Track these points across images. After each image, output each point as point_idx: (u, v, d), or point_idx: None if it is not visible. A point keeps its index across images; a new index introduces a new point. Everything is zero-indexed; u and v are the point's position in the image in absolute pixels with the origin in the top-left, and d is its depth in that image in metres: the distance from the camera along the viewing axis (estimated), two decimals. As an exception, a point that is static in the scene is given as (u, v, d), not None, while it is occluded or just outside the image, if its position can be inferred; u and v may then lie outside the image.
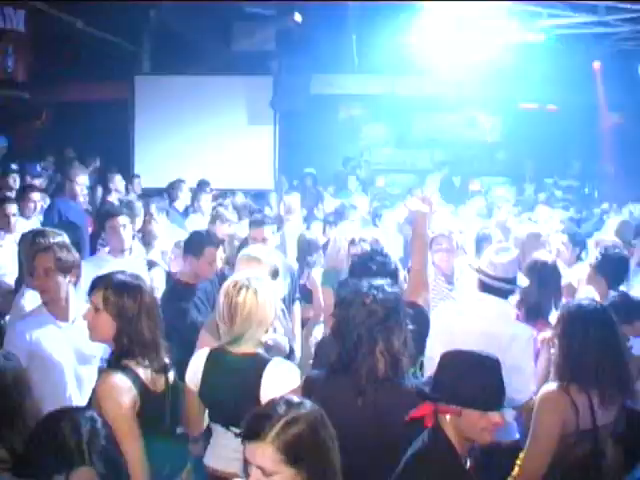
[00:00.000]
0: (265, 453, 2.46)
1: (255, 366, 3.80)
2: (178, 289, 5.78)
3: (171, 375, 3.79)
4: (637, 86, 11.41)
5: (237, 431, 3.64)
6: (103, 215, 7.17)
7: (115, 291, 3.57)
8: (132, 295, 3.57)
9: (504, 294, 4.72)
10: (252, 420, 2.57)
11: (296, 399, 2.74)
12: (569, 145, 17.28)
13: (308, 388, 3.57)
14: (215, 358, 3.89)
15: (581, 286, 5.89)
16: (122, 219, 6.42)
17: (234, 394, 3.76)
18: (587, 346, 3.66)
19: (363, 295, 3.53)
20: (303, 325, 7.03)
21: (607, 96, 15.23)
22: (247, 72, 13.79)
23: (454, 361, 3.15)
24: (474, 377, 3.03)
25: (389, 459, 3.30)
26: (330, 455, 2.57)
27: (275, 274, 4.97)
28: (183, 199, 10.23)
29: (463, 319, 4.61)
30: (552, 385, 3.75)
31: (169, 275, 6.78)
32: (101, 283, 3.63)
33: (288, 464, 2.47)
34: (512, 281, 4.78)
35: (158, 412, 3.64)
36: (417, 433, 3.22)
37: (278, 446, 2.46)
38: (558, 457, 3.61)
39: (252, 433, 2.51)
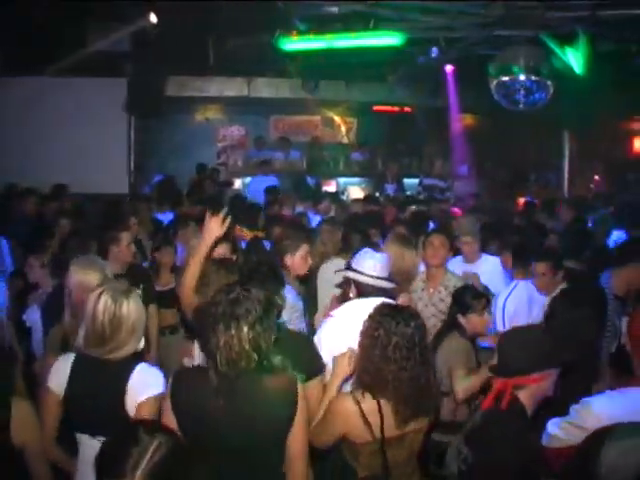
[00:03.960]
0: None
1: (122, 372, 3.75)
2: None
3: None
4: (488, 89, 11.80)
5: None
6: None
7: None
8: None
9: (389, 293, 4.82)
10: (111, 457, 2.49)
11: (154, 425, 2.80)
12: (425, 146, 17.81)
13: (172, 386, 3.51)
14: (83, 363, 3.81)
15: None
16: None
17: (101, 401, 3.69)
18: (388, 359, 3.67)
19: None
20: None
21: (460, 98, 15.75)
22: (101, 73, 13.36)
23: (524, 337, 3.62)
24: (546, 343, 3.53)
25: (261, 460, 3.37)
26: (193, 476, 2.61)
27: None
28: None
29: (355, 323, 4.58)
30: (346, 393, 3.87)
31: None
32: None
33: None
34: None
35: None
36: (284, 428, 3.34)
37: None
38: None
39: (113, 472, 2.44)
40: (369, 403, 3.67)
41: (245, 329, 3.34)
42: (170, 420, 3.37)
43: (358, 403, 3.67)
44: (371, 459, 3.74)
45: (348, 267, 4.94)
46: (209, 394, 3.34)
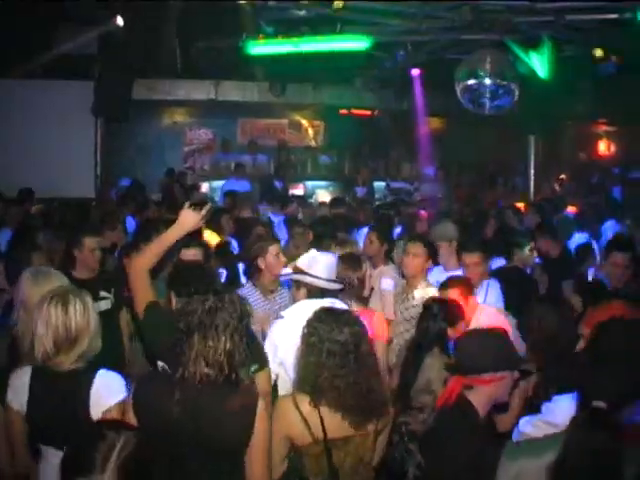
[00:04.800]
0: None
1: (82, 381, 3.68)
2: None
3: None
4: (454, 92, 11.84)
5: None
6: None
7: None
8: None
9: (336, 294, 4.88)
10: (79, 455, 2.48)
11: (116, 423, 2.82)
12: (392, 149, 17.88)
13: (135, 391, 3.48)
14: (41, 376, 3.71)
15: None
16: None
17: (65, 413, 3.62)
18: (322, 365, 3.63)
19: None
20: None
21: (428, 102, 15.80)
22: (67, 76, 13.25)
23: (483, 337, 3.66)
24: (504, 346, 3.59)
25: (223, 468, 3.35)
26: (154, 472, 2.59)
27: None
28: None
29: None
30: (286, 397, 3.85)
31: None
32: None
33: None
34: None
35: None
36: (239, 451, 3.30)
37: (109, 476, 2.41)
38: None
39: (84, 468, 2.43)
40: (308, 406, 3.63)
41: (223, 339, 3.31)
42: (132, 421, 3.34)
43: (297, 405, 3.63)
44: (318, 463, 3.68)
45: (300, 271, 4.94)
46: (171, 403, 3.29)
